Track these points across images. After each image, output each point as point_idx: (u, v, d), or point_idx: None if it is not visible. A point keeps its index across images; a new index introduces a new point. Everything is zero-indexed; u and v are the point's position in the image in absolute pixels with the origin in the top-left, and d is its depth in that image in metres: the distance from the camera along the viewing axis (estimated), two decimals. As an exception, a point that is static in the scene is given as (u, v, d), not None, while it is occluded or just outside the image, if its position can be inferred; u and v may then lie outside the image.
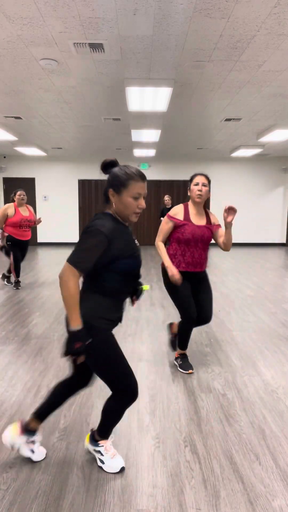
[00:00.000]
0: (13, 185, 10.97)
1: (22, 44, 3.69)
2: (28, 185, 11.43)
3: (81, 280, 1.69)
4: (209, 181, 2.88)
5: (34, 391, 2.72)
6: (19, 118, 6.66)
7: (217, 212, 10.35)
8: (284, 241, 12.02)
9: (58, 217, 11.65)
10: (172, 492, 1.77)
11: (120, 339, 3.74)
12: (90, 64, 4.21)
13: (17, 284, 5.95)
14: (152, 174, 11.70)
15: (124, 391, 1.79)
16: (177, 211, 2.93)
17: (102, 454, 1.93)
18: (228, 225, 2.73)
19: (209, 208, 3.13)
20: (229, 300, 5.34)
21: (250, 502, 1.71)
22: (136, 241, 1.86)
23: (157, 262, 8.52)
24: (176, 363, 3.14)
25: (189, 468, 1.94)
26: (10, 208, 5.74)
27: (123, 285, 1.76)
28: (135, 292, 1.94)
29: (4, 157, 11.47)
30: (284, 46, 3.71)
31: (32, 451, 1.96)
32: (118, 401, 1.82)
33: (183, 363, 3.07)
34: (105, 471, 1.90)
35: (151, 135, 7.92)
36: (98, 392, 2.69)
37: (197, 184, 2.84)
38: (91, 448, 1.99)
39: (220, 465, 1.96)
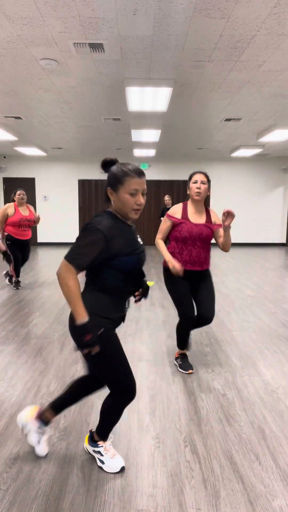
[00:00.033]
0: (13, 185, 10.96)
1: (22, 44, 3.69)
2: (28, 185, 11.43)
3: (83, 279, 1.70)
4: (208, 179, 2.88)
5: (34, 391, 2.72)
6: (19, 118, 6.66)
7: (217, 212, 10.35)
8: (284, 241, 12.03)
9: (58, 217, 11.65)
10: (172, 492, 1.77)
11: (120, 339, 3.73)
12: (90, 64, 4.21)
13: (17, 284, 5.94)
14: (152, 174, 11.70)
15: (124, 391, 1.78)
16: (176, 210, 2.95)
17: (101, 455, 1.93)
18: (226, 228, 2.73)
19: (209, 207, 3.12)
20: (229, 300, 5.34)
21: (250, 502, 1.71)
22: (139, 240, 1.85)
23: (157, 262, 8.52)
24: (176, 363, 3.14)
25: (189, 468, 1.94)
26: (10, 208, 5.74)
27: (124, 283, 1.75)
28: (140, 289, 1.91)
29: (4, 157, 11.47)
30: (284, 46, 3.71)
31: (38, 442, 1.98)
32: (118, 401, 1.82)
33: (183, 363, 3.07)
34: (105, 471, 1.90)
35: (151, 135, 7.92)
36: (98, 392, 2.69)
37: (195, 182, 2.84)
38: (90, 449, 1.99)
39: (220, 465, 1.96)
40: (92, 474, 1.88)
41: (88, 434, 2.04)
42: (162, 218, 9.00)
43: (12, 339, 3.76)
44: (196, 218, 2.90)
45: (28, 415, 2.00)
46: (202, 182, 2.83)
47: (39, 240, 11.77)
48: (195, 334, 3.87)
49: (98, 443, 1.95)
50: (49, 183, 11.69)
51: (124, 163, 1.70)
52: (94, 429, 2.01)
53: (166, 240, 2.99)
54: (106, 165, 1.74)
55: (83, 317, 1.60)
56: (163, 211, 9.23)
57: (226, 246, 2.86)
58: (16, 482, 1.83)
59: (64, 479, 1.85)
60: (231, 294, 5.73)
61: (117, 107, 5.99)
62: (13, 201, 5.82)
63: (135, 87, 4.75)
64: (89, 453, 2.02)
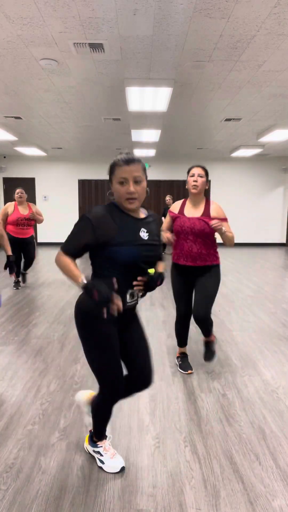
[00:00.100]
0: (13, 185, 10.94)
1: (22, 44, 3.69)
2: (28, 185, 11.42)
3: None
4: (206, 172, 2.84)
5: (34, 391, 2.72)
6: (19, 118, 6.66)
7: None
8: (284, 241, 12.02)
9: (58, 217, 11.64)
10: (172, 492, 1.77)
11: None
12: (90, 64, 4.21)
13: (17, 284, 5.94)
14: (152, 174, 11.69)
15: (106, 387, 1.78)
16: (176, 205, 2.98)
17: (101, 455, 1.93)
18: (219, 232, 2.73)
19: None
20: (229, 300, 5.34)
21: (250, 502, 1.71)
22: (145, 234, 1.72)
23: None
24: (177, 362, 3.15)
25: (189, 468, 1.94)
26: (10, 207, 5.75)
27: (121, 276, 1.67)
28: (139, 279, 1.72)
29: (4, 157, 11.47)
30: (284, 46, 3.71)
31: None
32: (100, 395, 1.84)
33: (183, 363, 3.07)
34: (105, 471, 1.90)
35: (151, 135, 7.92)
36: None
37: (193, 175, 2.82)
38: (90, 449, 1.99)
39: (220, 465, 1.96)
40: (92, 474, 1.88)
41: (88, 434, 2.04)
42: (163, 218, 9.01)
43: (12, 339, 3.76)
44: (191, 212, 2.86)
45: (85, 399, 2.07)
46: (200, 175, 2.80)
47: (39, 240, 11.76)
48: (195, 334, 3.87)
49: (97, 443, 1.96)
50: (49, 183, 11.68)
51: (121, 152, 1.70)
52: (94, 429, 2.02)
53: None
54: None
55: (80, 280, 1.57)
56: (165, 211, 9.24)
57: (227, 243, 2.83)
58: (16, 482, 1.83)
59: (64, 479, 1.85)
60: (231, 294, 5.73)
61: (117, 107, 5.99)
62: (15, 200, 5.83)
63: (135, 87, 4.75)
64: (89, 453, 2.02)
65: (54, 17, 3.19)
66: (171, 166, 11.65)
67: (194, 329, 3.84)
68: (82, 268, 1.85)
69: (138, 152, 10.21)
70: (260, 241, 12.01)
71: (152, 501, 1.72)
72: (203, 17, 3.18)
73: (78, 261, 1.70)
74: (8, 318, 4.42)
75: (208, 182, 2.88)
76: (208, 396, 2.67)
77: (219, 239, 2.91)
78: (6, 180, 11.64)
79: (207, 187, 2.88)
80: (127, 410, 2.47)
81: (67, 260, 1.63)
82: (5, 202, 11.35)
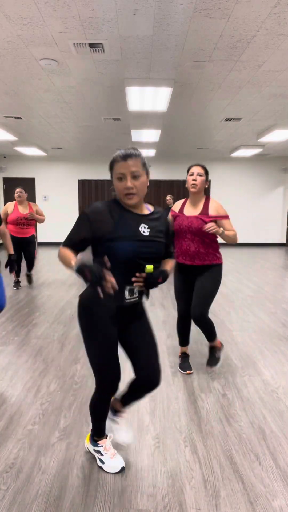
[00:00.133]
0: (13, 185, 10.94)
1: (22, 44, 3.69)
2: (28, 185, 11.42)
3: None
4: (206, 171, 2.84)
5: (34, 391, 2.72)
6: (19, 118, 6.66)
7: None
8: (284, 241, 12.02)
9: (58, 217, 11.64)
10: (172, 492, 1.77)
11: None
12: (90, 64, 4.21)
13: (17, 284, 5.94)
14: (152, 174, 11.58)
15: (100, 382, 1.80)
16: (177, 205, 2.99)
17: (102, 454, 1.93)
18: (217, 234, 2.72)
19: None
20: (229, 300, 5.34)
21: (250, 502, 1.71)
22: (146, 229, 1.70)
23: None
24: (178, 362, 3.16)
25: (189, 468, 1.94)
26: (10, 206, 5.76)
27: (119, 272, 1.65)
28: (137, 275, 1.68)
29: (4, 157, 11.47)
30: (284, 46, 3.71)
31: (111, 428, 2.03)
32: (96, 393, 1.85)
33: (183, 363, 3.08)
34: (105, 471, 1.90)
35: (151, 135, 7.91)
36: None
37: (192, 174, 2.81)
38: (91, 448, 1.99)
39: (220, 465, 1.96)
40: (92, 474, 1.88)
41: (90, 433, 2.04)
42: None
43: (12, 339, 3.76)
44: (190, 210, 2.86)
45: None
46: (199, 174, 2.79)
47: (39, 240, 11.76)
48: (195, 334, 3.87)
49: (98, 442, 1.96)
50: (49, 183, 11.68)
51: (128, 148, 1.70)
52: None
53: None
54: None
55: (73, 265, 1.54)
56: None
57: (229, 241, 2.82)
58: (16, 482, 1.83)
59: (64, 479, 1.85)
60: (231, 294, 5.73)
61: (117, 107, 5.99)
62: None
63: (135, 87, 4.75)
64: (90, 452, 2.02)
65: (54, 17, 3.19)
66: (171, 166, 11.65)
67: (194, 329, 3.84)
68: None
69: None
70: (260, 241, 12.01)
71: (152, 501, 1.72)
72: (203, 17, 3.18)
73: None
74: (8, 318, 4.42)
75: (208, 181, 2.88)
76: (208, 396, 2.67)
77: (220, 239, 2.88)
78: (6, 180, 11.64)
79: (206, 186, 2.87)
80: (127, 410, 2.46)
81: (66, 251, 1.65)
82: (5, 202, 11.35)
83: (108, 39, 3.59)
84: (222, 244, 3.01)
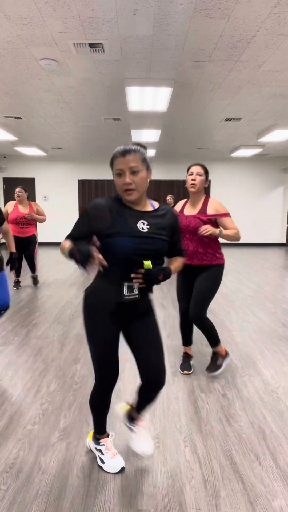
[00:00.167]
0: (13, 185, 10.93)
1: (22, 44, 3.69)
2: (28, 185, 11.41)
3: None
4: (206, 171, 2.82)
5: (34, 391, 2.72)
6: (19, 118, 6.66)
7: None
8: (284, 241, 12.02)
9: (58, 217, 11.63)
10: (172, 492, 1.77)
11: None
12: (90, 64, 4.21)
13: (17, 284, 5.94)
14: (152, 174, 11.69)
15: (98, 377, 1.82)
16: (179, 205, 3.00)
17: (102, 453, 1.93)
18: (213, 235, 2.68)
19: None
20: (229, 300, 5.34)
21: (250, 502, 1.71)
22: (145, 226, 1.68)
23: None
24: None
25: (189, 468, 1.94)
26: (10, 206, 5.76)
27: (115, 267, 1.65)
28: (136, 271, 1.66)
29: (4, 157, 11.47)
30: (284, 46, 3.71)
31: (130, 437, 2.00)
32: (95, 388, 1.87)
33: (182, 363, 3.08)
34: (105, 471, 1.90)
35: (151, 135, 7.91)
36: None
37: (191, 174, 2.81)
38: (92, 446, 1.99)
39: (220, 465, 1.96)
40: (92, 474, 1.88)
41: (92, 431, 2.04)
42: None
43: (12, 339, 3.76)
44: (190, 210, 2.87)
45: (121, 410, 2.07)
46: (198, 174, 2.78)
47: (39, 240, 11.69)
48: (195, 334, 3.87)
49: (100, 440, 1.96)
50: (49, 183, 11.68)
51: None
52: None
53: None
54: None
55: (67, 249, 1.57)
56: None
57: (230, 240, 2.81)
58: (16, 482, 1.83)
59: (64, 479, 1.85)
60: (231, 294, 5.73)
61: (117, 107, 5.99)
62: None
63: (135, 87, 4.75)
64: (91, 450, 2.02)
65: (54, 17, 3.19)
66: (171, 166, 11.65)
67: (194, 329, 3.83)
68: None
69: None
70: (260, 241, 12.01)
71: (152, 501, 1.72)
72: (203, 17, 3.18)
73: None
74: (8, 318, 4.42)
75: (208, 180, 2.87)
76: (208, 396, 2.67)
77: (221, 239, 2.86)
78: (6, 180, 11.64)
79: (206, 186, 2.86)
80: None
81: (65, 242, 1.67)
82: (5, 202, 11.35)
83: (108, 39, 3.59)
84: (223, 244, 3.00)
